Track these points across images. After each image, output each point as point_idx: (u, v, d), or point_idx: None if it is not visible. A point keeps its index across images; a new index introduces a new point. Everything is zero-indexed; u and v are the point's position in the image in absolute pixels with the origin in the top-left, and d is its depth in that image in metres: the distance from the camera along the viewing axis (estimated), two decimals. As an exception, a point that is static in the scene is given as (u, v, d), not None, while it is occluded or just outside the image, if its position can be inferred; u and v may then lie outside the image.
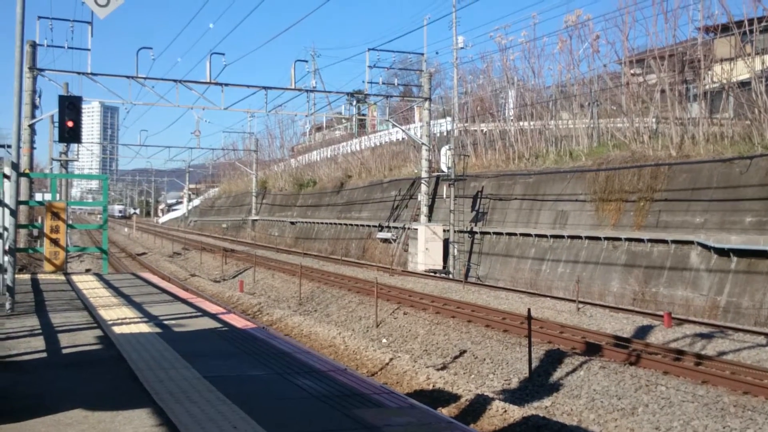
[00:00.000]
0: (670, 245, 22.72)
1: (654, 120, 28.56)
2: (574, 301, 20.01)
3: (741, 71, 25.82)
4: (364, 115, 57.13)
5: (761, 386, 11.73)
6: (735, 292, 20.13)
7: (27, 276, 19.62)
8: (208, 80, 30.89)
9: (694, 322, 17.49)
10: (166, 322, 11.46)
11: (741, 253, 20.29)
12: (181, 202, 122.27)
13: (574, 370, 13.86)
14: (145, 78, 30.36)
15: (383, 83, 36.87)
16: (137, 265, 41.22)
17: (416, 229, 33.37)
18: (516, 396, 13.04)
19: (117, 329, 10.57)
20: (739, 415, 11.05)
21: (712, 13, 28.02)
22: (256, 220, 68.26)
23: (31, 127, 28.32)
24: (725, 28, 26.86)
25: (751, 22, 25.07)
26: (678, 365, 13.23)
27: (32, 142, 28.77)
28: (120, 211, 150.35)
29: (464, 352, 16.42)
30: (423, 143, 35.97)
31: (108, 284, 17.68)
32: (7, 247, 13.37)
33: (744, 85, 25.45)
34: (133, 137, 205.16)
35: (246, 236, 66.51)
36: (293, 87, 33.33)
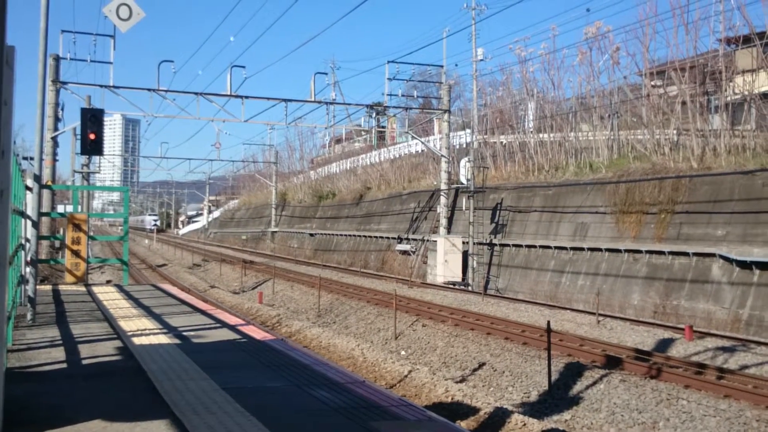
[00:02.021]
0: (692, 258, 22.51)
1: (675, 132, 28.37)
2: (594, 313, 19.87)
3: (763, 83, 25.62)
4: (383, 127, 57.30)
5: (785, 401, 11.57)
6: (758, 305, 19.89)
7: (48, 287, 19.78)
8: (228, 93, 31.10)
9: (716, 336, 17.31)
10: (185, 334, 11.50)
11: (763, 266, 20.05)
12: (201, 214, 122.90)
13: (594, 384, 13.75)
14: (166, 91, 30.63)
15: (402, 95, 36.92)
16: (157, 277, 41.47)
17: (435, 241, 33.32)
18: (535, 409, 12.96)
19: (136, 340, 10.63)
20: (762, 429, 10.91)
21: (733, 25, 27.83)
22: (275, 231, 68.46)
23: (54, 139, 28.63)
24: (747, 40, 26.67)
25: (773, 33, 24.89)
26: (699, 379, 13.09)
27: (55, 154, 29.07)
28: (154, 223, 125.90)
29: (483, 364, 16.35)
30: (442, 155, 35.98)
31: (128, 295, 17.79)
32: (29, 259, 13.51)
33: (766, 96, 25.25)
34: (154, 149, 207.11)
35: (265, 248, 66.72)
36: (313, 99, 33.47)
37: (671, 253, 23.28)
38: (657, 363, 14.14)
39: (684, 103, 28.04)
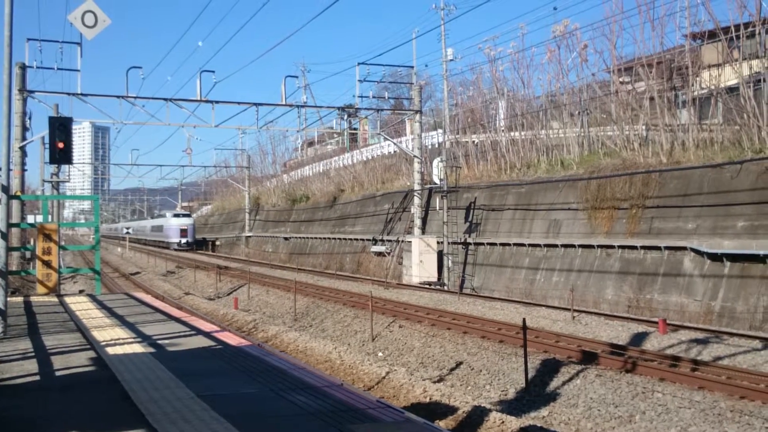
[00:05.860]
0: (663, 251, 22.75)
1: (644, 127, 28.66)
2: (568, 309, 19.99)
3: (729, 77, 25.95)
4: (355, 129, 57.14)
5: (757, 390, 11.73)
6: (729, 296, 20.15)
7: (20, 299, 19.53)
8: (198, 98, 30.88)
9: (689, 328, 17.49)
10: (159, 342, 11.40)
11: (734, 258, 20.33)
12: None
13: (570, 379, 13.84)
14: (135, 97, 30.34)
15: (374, 97, 37.02)
16: (131, 285, 41.08)
17: (410, 242, 33.35)
18: (513, 406, 13.00)
19: (110, 350, 10.52)
20: (736, 420, 11.04)
21: (698, 20, 28.12)
22: (249, 236, 68.15)
23: (22, 149, 28.25)
24: (712, 35, 27.00)
25: (737, 27, 25.21)
26: (674, 371, 13.23)
27: (23, 164, 28.68)
28: (184, 231, 76.72)
29: (460, 363, 16.38)
30: (415, 156, 36.02)
31: (101, 305, 17.60)
32: (-2, 270, 13.30)
33: (732, 90, 25.58)
34: (125, 157, 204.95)
35: (240, 253, 66.35)
36: (284, 103, 33.34)
37: (643, 247, 23.51)
38: (632, 357, 14.26)
39: (652, 98, 28.33)
